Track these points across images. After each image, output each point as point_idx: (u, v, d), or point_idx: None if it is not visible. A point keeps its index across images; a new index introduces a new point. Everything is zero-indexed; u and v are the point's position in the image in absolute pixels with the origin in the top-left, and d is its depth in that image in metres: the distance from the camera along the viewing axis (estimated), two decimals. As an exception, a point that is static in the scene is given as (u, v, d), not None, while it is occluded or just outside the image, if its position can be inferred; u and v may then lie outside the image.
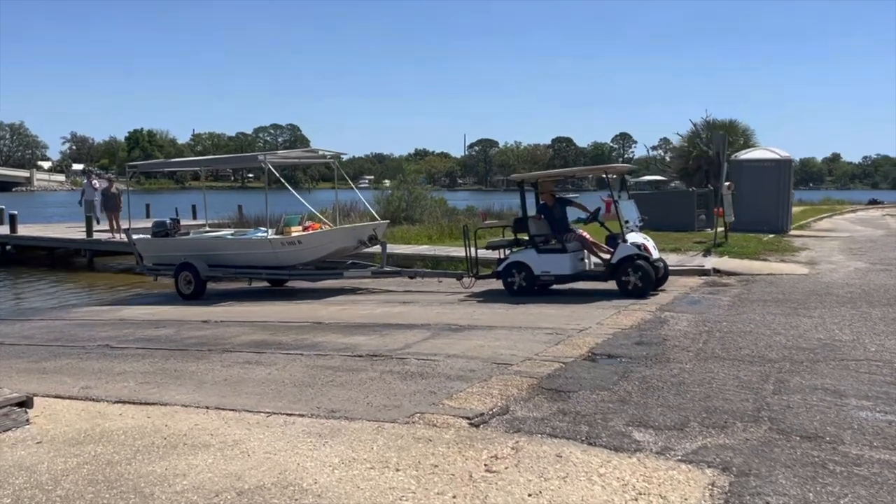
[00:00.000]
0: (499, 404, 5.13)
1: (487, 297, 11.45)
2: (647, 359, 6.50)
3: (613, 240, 11.41)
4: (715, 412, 4.87)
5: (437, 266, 14.91)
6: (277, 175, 14.66)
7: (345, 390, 5.73)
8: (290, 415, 5.12)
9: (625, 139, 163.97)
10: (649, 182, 52.16)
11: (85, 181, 24.52)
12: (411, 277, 13.54)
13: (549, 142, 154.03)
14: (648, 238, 11.48)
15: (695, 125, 38.51)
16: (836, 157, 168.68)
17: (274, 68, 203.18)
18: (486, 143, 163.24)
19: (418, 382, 5.86)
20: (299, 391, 5.80)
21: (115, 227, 19.81)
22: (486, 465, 4.01)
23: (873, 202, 45.16)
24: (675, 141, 40.42)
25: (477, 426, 4.71)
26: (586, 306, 9.83)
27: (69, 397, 6.05)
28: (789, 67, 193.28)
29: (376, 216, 16.71)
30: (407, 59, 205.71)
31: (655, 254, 11.29)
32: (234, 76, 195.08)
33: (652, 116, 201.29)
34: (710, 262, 13.74)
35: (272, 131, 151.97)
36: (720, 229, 16.46)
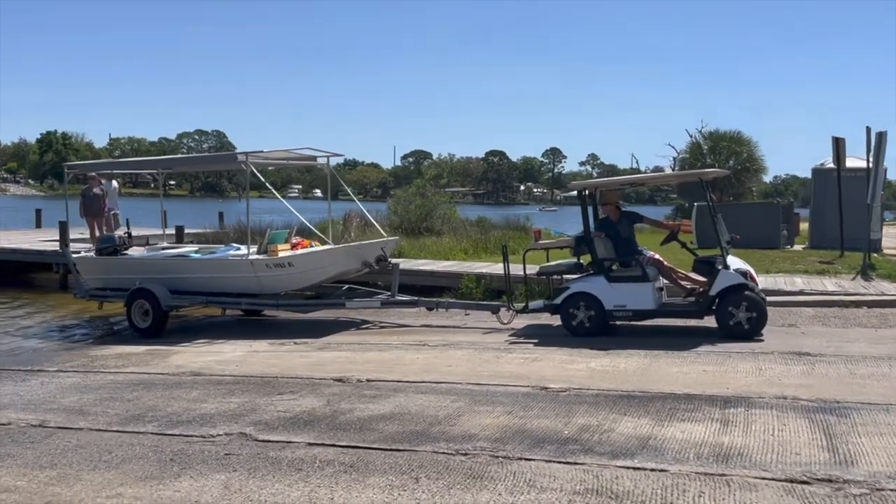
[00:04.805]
0: None
1: (564, 337, 8.88)
2: None
3: (705, 265, 8.91)
4: None
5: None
6: (263, 179, 11.66)
7: None
8: None
9: (555, 154, 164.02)
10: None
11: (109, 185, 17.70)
12: (430, 309, 10.74)
13: (482, 155, 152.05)
14: (747, 263, 9.09)
15: (692, 136, 36.74)
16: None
17: (192, 74, 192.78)
18: (420, 155, 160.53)
19: None
20: None
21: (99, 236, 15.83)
22: None
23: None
24: (670, 153, 38.63)
25: None
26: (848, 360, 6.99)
27: None
28: (714, 89, 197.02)
29: (382, 232, 13.48)
30: (332, 67, 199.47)
31: (760, 283, 9.10)
32: (149, 81, 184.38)
33: (580, 131, 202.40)
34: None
35: (197, 137, 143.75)
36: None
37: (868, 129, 13.50)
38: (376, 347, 8.83)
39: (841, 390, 5.90)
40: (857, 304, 10.13)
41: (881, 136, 13.28)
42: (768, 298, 10.52)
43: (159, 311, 10.67)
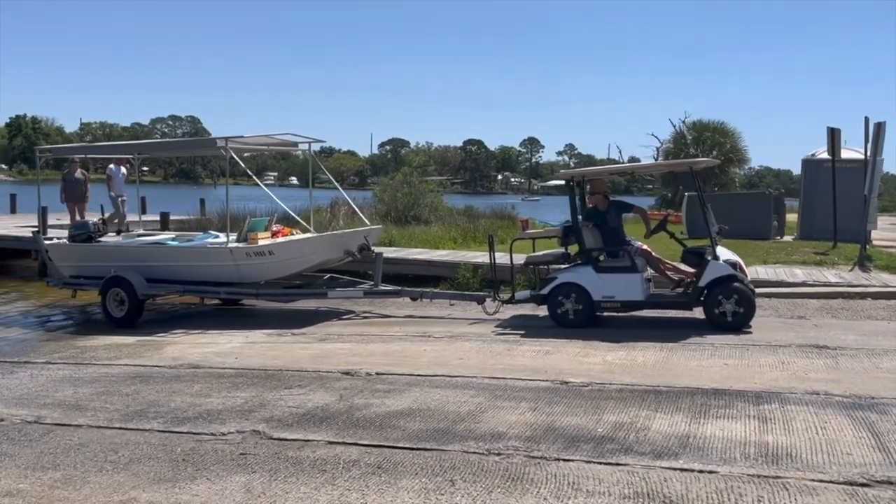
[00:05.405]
0: None
1: (556, 328, 8.68)
2: None
3: (694, 255, 8.80)
4: None
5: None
6: (243, 166, 11.37)
7: None
8: None
9: (533, 143, 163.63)
10: (556, 187, 50.61)
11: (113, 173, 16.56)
12: (413, 299, 10.53)
13: (460, 144, 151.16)
14: (737, 254, 9.03)
15: (676, 127, 36.73)
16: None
17: (165, 59, 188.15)
18: (398, 143, 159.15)
19: None
20: None
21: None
22: None
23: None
24: (653, 143, 38.69)
25: None
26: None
27: None
28: (686, 79, 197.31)
29: (365, 220, 13.17)
30: (308, 55, 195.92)
31: (748, 274, 8.98)
32: (120, 65, 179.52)
33: (558, 121, 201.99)
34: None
35: (170, 122, 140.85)
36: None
37: (866, 119, 13.42)
38: (379, 339, 8.55)
39: (872, 385, 5.74)
40: (862, 296, 10.03)
41: (879, 127, 13.19)
42: (770, 290, 10.45)
43: (135, 300, 10.32)
